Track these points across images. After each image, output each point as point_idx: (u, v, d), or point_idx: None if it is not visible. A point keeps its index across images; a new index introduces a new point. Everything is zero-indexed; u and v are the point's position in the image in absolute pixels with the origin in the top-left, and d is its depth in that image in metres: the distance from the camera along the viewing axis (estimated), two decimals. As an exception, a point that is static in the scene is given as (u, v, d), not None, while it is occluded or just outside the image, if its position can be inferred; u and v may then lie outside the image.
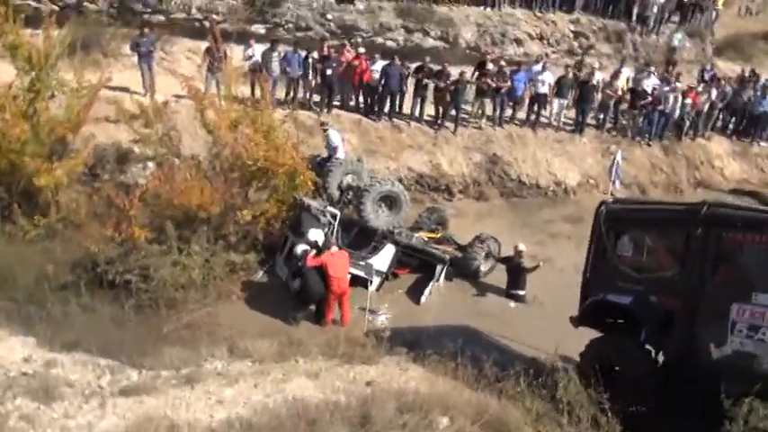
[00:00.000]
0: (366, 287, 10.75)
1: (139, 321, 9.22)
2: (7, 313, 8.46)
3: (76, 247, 10.01)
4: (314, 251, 10.18)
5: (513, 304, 11.75)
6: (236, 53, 14.26)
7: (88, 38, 13.77)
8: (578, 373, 7.24)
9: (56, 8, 14.22)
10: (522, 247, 11.97)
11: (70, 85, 11.13)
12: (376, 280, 11.10)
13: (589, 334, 8.31)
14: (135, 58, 14.28)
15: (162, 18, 15.81)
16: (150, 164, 12.15)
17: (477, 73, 16.50)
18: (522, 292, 11.79)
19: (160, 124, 11.59)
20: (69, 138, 11.32)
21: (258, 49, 14.83)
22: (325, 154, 12.81)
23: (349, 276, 10.44)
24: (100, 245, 9.77)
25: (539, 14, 18.91)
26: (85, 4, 15.13)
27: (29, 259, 9.75)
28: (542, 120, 17.20)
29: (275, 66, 14.65)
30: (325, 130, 13.26)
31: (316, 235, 10.33)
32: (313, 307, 10.32)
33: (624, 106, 17.55)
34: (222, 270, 10.43)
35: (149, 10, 15.53)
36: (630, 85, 17.54)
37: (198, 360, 7.84)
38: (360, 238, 11.56)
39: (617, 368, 7.58)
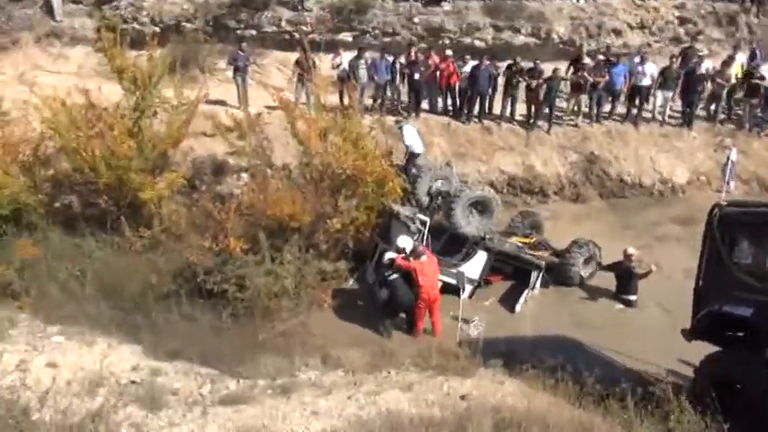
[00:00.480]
0: (457, 295, 10.64)
1: (236, 330, 9.41)
2: (117, 322, 8.94)
3: (178, 258, 10.34)
4: (403, 257, 10.12)
5: (619, 306, 11.31)
6: (324, 62, 14.57)
7: (186, 55, 14.54)
8: (693, 393, 6.69)
9: (157, 29, 15.06)
10: (631, 250, 11.52)
11: (171, 102, 11.61)
12: (468, 288, 10.97)
13: (703, 347, 7.80)
14: (230, 73, 14.77)
15: (254, 32, 16.32)
16: (244, 174, 12.51)
17: (571, 68, 15.98)
18: (633, 297, 11.30)
19: (253, 136, 12.02)
20: (170, 152, 11.83)
21: (346, 58, 15.06)
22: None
23: (440, 285, 10.33)
24: (199, 255, 10.05)
25: (638, 2, 17.95)
26: (183, 23, 15.83)
27: (135, 270, 10.25)
28: (644, 114, 16.46)
29: (363, 73, 14.81)
30: (399, 128, 13.19)
31: (404, 242, 10.30)
32: (403, 316, 10.26)
33: (739, 95, 16.34)
34: (313, 278, 10.53)
35: (242, 26, 16.01)
36: (745, 71, 16.33)
37: (292, 369, 8.00)
38: (450, 244, 11.37)
39: (738, 387, 7.08)
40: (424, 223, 10.99)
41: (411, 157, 12.84)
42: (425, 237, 10.89)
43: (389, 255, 10.35)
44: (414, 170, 12.38)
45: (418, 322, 10.11)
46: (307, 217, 10.71)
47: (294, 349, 8.70)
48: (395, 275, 9.94)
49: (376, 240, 11.41)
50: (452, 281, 10.74)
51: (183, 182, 11.89)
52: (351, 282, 11.26)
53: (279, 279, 10.06)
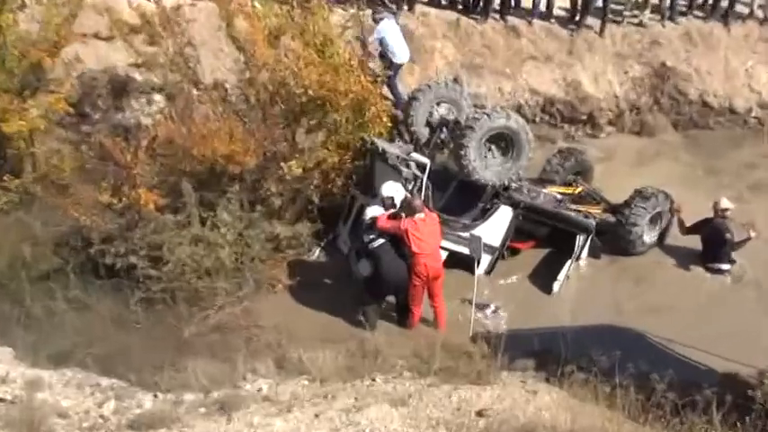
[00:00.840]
0: (470, 271, 10.72)
1: (150, 323, 9.32)
2: (-28, 315, 8.79)
3: (61, 219, 10.25)
4: (389, 213, 10.12)
5: (709, 275, 11.69)
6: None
7: None
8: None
9: None
10: (726, 203, 11.85)
11: (46, -12, 11.05)
12: (485, 259, 11.07)
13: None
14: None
15: None
16: (158, 97, 12.39)
17: (635, -60, 15.82)
18: (725, 267, 11.75)
19: (170, 39, 11.57)
20: (47, 64, 11.54)
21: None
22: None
23: (444, 255, 10.43)
24: (93, 215, 9.96)
25: None
26: None
27: (-2, 237, 10.02)
28: (739, 10, 16.53)
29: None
30: (375, 21, 13.06)
31: (392, 190, 10.30)
32: (392, 299, 10.32)
33: None
34: (262, 248, 10.56)
35: None
36: None
37: (234, 378, 7.93)
38: (460, 197, 11.44)
39: None
40: (421, 167, 10.97)
41: (393, 68, 12.82)
42: (424, 186, 10.85)
43: (372, 212, 10.34)
44: (397, 87, 12.36)
45: (414, 308, 10.19)
46: (251, 159, 10.64)
47: (236, 349, 8.68)
48: (380, 241, 9.98)
49: (352, 192, 11.43)
50: (463, 249, 10.82)
51: (67, 108, 11.69)
52: (316, 252, 11.34)
53: (212, 249, 10.04)
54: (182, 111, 11.04)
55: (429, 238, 9.99)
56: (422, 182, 10.93)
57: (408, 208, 10.14)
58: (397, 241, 9.92)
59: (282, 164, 10.63)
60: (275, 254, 10.72)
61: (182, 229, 10.12)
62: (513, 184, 11.59)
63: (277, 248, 10.74)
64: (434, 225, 10.15)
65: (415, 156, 11.30)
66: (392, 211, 10.21)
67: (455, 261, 10.81)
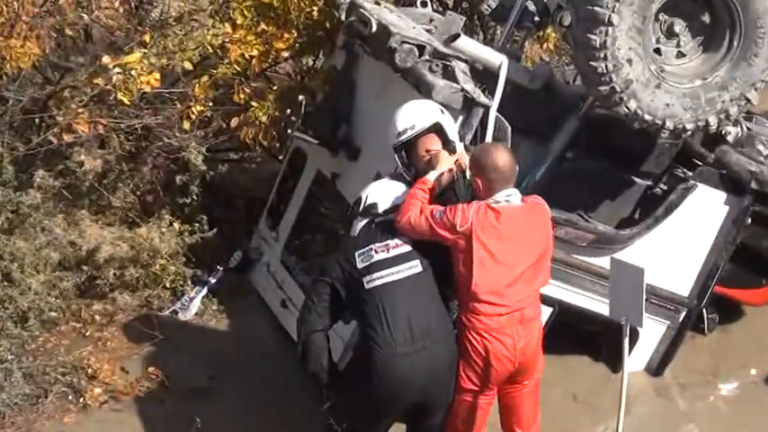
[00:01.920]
0: (616, 357, 6.32)
1: None
2: None
3: None
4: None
5: None
6: None
7: None
8: None
9: None
10: None
11: None
12: (653, 328, 6.57)
13: None
14: None
15: None
16: None
17: None
18: None
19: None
20: None
21: None
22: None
23: (548, 312, 5.98)
24: None
25: None
26: None
27: None
28: None
29: None
30: None
31: (420, 121, 5.28)
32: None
33: None
34: (56, 298, 6.46)
35: None
36: None
37: None
38: (586, 167, 6.43)
39: None
40: (489, 74, 6.03)
41: None
42: (492, 125, 5.79)
43: (379, 190, 5.36)
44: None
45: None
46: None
47: None
48: (390, 273, 4.98)
49: (296, 142, 6.94)
50: (596, 305, 6.18)
51: None
52: (190, 300, 6.84)
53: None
54: None
55: (518, 255, 4.93)
56: (487, 115, 5.66)
57: (482, 174, 4.92)
58: (437, 269, 4.94)
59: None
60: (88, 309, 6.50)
61: None
62: (736, 128, 6.39)
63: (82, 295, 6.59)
64: (538, 228, 5.02)
65: (472, 47, 6.04)
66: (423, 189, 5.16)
67: (574, 330, 6.39)
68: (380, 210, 4.91)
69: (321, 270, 4.89)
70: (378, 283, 4.66)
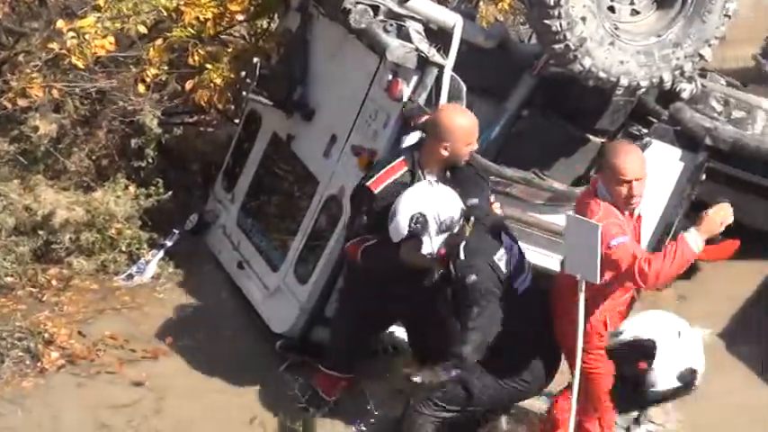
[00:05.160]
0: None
1: None
2: None
3: None
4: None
5: None
6: None
7: None
8: None
9: None
10: None
11: None
12: None
13: None
14: None
15: None
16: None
17: None
18: None
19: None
20: None
21: None
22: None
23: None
24: None
25: None
26: None
27: None
28: None
29: None
30: None
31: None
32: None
33: None
34: (12, 263, 6.54)
35: None
36: None
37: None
38: (538, 127, 6.63)
39: None
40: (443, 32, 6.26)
41: None
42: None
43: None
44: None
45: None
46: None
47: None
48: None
49: (251, 105, 6.88)
50: (545, 259, 6.27)
51: None
52: (143, 268, 6.85)
53: None
54: None
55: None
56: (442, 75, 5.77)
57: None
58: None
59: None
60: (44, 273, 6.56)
61: None
62: (690, 85, 6.41)
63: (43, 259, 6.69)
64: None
65: (427, 7, 6.12)
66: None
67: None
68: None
69: None
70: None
